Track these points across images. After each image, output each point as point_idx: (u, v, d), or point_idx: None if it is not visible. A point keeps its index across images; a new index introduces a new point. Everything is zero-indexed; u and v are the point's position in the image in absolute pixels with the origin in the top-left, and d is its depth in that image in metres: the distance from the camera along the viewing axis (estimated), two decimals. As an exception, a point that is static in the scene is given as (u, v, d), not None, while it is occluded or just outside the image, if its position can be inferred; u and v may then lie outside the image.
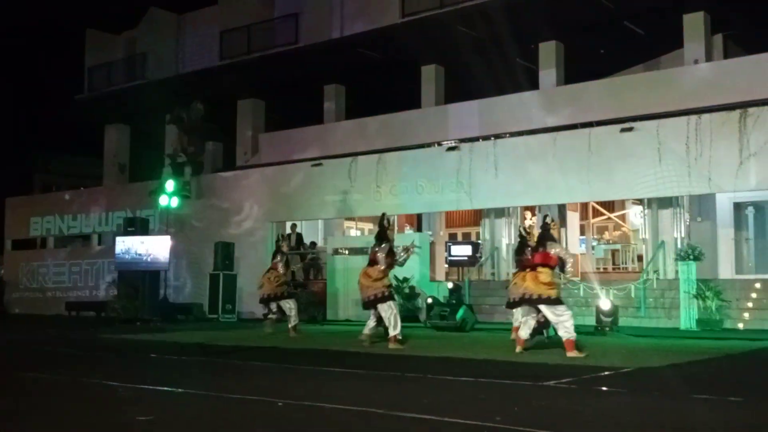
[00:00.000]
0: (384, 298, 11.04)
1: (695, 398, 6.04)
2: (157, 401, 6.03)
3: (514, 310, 11.35)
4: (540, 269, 9.58)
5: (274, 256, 14.32)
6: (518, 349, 9.75)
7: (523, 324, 9.98)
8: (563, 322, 9.38)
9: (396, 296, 11.48)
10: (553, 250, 9.72)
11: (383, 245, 11.36)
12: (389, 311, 10.96)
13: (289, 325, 13.73)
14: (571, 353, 9.20)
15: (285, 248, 14.77)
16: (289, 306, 13.86)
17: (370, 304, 11.18)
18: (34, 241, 28.55)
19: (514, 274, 11.96)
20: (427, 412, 5.21)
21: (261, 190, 22.28)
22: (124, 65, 28.18)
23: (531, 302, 9.60)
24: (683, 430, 4.69)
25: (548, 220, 10.15)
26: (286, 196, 21.66)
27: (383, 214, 12.04)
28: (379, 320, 11.22)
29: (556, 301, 9.46)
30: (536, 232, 10.99)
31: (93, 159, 31.39)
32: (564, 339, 9.36)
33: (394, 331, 10.89)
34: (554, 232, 10.02)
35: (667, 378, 7.58)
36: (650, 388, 6.70)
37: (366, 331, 11.33)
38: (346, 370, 8.08)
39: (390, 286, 11.27)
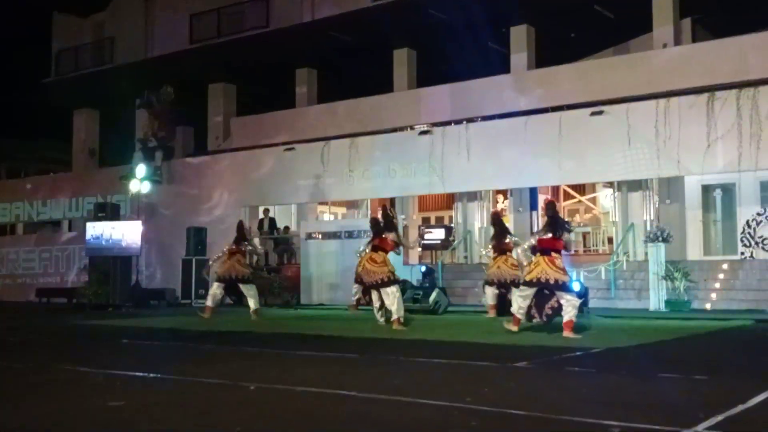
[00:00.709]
0: (389, 282, 11.41)
1: (662, 377, 6.15)
2: (128, 387, 6.01)
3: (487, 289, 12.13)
4: (554, 254, 9.69)
5: (239, 242, 14.42)
6: (515, 328, 9.89)
7: (514, 301, 10.12)
8: (574, 306, 9.59)
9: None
10: (565, 236, 9.91)
11: (391, 233, 11.75)
12: (393, 295, 11.31)
13: (252, 308, 13.99)
14: (569, 334, 9.36)
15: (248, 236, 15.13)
16: (253, 292, 14.15)
17: (375, 286, 11.62)
18: (3, 227, 28.16)
19: (495, 258, 12.45)
20: (399, 393, 5.26)
21: (233, 175, 22.16)
22: (92, 49, 27.76)
23: (548, 287, 9.62)
24: (648, 406, 4.78)
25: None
26: (258, 180, 21.57)
27: (384, 206, 12.68)
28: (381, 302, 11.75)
29: (570, 288, 9.69)
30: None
31: (62, 144, 30.93)
32: (566, 320, 9.53)
33: (397, 313, 11.24)
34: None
35: (635, 357, 7.71)
36: (618, 367, 6.80)
37: (378, 314, 11.90)
38: (319, 354, 8.11)
39: (393, 271, 11.65)
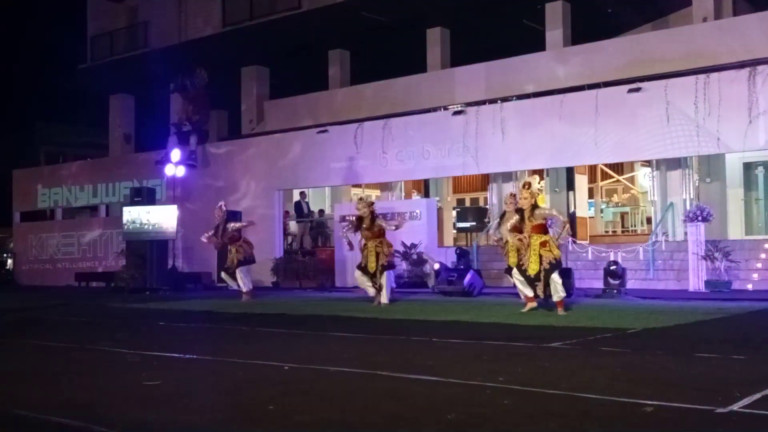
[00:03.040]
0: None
1: (698, 356, 6.03)
2: (164, 366, 6.07)
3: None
4: None
5: (225, 229, 14.62)
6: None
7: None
8: None
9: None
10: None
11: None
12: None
13: (245, 290, 14.74)
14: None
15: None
16: (241, 276, 14.79)
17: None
18: (42, 212, 28.68)
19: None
20: (432, 373, 5.23)
21: (267, 158, 22.23)
22: (126, 34, 28.01)
23: None
24: (683, 385, 4.69)
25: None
26: (292, 163, 21.61)
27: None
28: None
29: None
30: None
31: (98, 129, 31.36)
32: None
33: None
34: None
35: (672, 338, 7.58)
36: (654, 347, 6.68)
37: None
38: (353, 335, 8.12)
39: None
